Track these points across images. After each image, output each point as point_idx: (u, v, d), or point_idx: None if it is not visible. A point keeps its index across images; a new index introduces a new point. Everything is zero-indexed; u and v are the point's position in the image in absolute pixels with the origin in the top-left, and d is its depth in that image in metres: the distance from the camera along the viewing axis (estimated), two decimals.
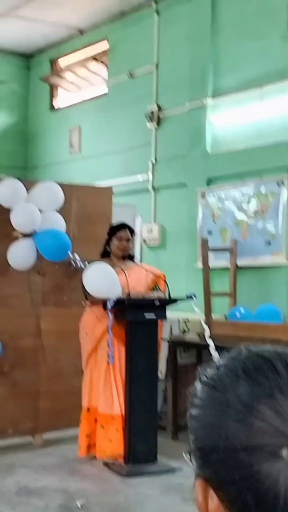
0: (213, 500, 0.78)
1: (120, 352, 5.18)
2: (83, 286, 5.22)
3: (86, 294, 5.26)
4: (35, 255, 5.50)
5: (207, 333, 5.34)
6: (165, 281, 5.49)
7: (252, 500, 0.73)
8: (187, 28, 7.75)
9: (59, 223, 5.63)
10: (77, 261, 5.64)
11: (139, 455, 4.99)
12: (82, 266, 5.52)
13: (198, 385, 0.82)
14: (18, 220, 5.41)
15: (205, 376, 0.83)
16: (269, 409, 0.75)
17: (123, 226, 5.49)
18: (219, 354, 6.00)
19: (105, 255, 5.48)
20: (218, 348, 5.92)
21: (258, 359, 0.80)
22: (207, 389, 0.81)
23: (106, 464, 5.13)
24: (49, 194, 5.64)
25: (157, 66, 8.21)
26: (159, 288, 5.50)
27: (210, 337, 5.34)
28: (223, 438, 0.75)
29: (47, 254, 5.50)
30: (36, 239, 5.47)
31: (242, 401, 0.76)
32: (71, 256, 5.66)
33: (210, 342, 5.27)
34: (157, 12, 8.21)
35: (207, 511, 0.79)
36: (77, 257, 5.66)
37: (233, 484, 0.75)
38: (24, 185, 5.58)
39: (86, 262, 5.48)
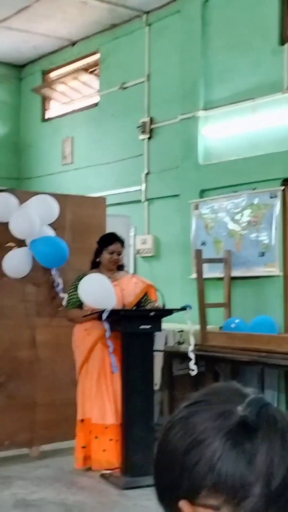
0: None
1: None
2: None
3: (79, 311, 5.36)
4: (30, 263, 5.54)
5: (190, 348, 5.33)
6: (155, 292, 5.50)
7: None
8: (178, 39, 7.81)
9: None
10: (58, 284, 5.72)
11: (136, 467, 4.98)
12: (61, 292, 5.63)
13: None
14: (16, 226, 5.41)
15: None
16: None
17: (114, 239, 5.47)
18: (214, 365, 6.03)
19: (95, 265, 5.50)
20: (213, 359, 5.95)
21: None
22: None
23: (103, 476, 5.13)
24: (44, 206, 5.65)
25: (148, 77, 8.25)
26: (149, 298, 5.51)
27: (192, 351, 5.32)
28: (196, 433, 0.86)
29: (45, 261, 5.51)
30: (33, 246, 5.48)
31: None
32: (55, 277, 5.72)
33: (192, 356, 5.26)
34: (148, 23, 8.27)
35: None
36: (59, 280, 5.72)
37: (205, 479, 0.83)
38: (17, 196, 5.62)
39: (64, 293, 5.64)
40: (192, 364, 5.24)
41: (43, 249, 5.47)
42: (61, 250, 5.57)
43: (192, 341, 5.31)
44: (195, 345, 5.42)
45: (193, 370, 5.25)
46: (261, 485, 0.82)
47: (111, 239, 5.45)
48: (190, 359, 5.27)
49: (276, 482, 0.82)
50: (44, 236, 5.55)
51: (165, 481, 0.88)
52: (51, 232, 5.69)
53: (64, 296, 5.70)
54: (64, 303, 5.69)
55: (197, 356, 5.38)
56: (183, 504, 0.86)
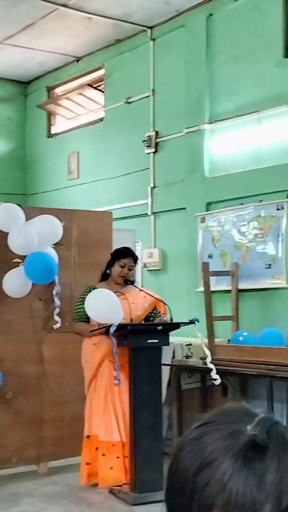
0: None
1: (121, 378, 5.16)
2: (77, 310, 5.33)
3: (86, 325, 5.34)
4: (29, 282, 5.46)
5: (209, 359, 5.33)
6: (165, 306, 5.48)
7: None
8: (182, 54, 7.83)
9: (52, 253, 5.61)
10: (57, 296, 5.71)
11: (145, 482, 4.94)
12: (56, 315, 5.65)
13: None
14: (14, 242, 5.36)
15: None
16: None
17: (127, 253, 5.48)
18: (222, 379, 6.00)
19: (105, 277, 5.49)
20: (221, 373, 5.91)
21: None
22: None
23: (112, 492, 5.08)
24: (49, 227, 5.58)
25: (153, 92, 8.27)
26: (158, 312, 5.49)
27: (211, 362, 5.31)
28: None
29: (32, 277, 5.42)
30: (25, 263, 5.42)
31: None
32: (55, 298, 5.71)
33: (212, 366, 5.26)
34: (152, 38, 8.30)
35: None
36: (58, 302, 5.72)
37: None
38: (24, 211, 5.58)
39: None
40: (214, 374, 5.26)
41: (30, 265, 5.38)
42: (46, 265, 5.43)
43: (208, 352, 5.34)
44: (202, 358, 5.40)
45: (215, 379, 5.28)
46: (272, 504, 0.81)
47: (124, 253, 5.47)
48: (211, 369, 5.32)
49: (286, 500, 0.82)
50: (34, 252, 5.43)
51: (176, 502, 0.88)
52: (51, 251, 5.61)
53: (58, 320, 5.69)
54: (55, 327, 5.68)
55: (206, 370, 5.36)
56: None
